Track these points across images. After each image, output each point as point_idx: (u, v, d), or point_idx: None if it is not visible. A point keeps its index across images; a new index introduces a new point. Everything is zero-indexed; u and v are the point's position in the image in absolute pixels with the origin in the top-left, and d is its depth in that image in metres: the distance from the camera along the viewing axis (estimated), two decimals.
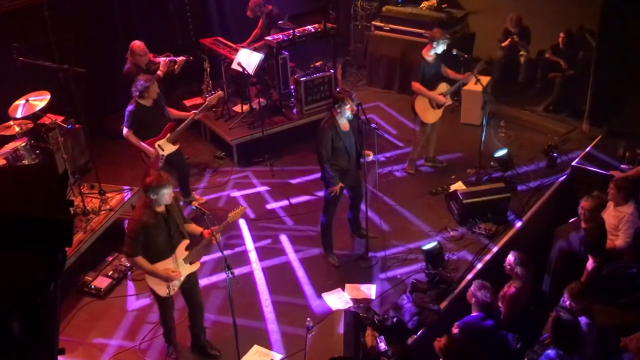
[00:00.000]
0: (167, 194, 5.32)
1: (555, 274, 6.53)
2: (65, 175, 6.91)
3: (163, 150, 7.35)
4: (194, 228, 5.74)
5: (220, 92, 7.91)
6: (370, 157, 6.81)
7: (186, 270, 5.63)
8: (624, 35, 8.62)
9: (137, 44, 7.88)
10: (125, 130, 7.26)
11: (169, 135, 7.36)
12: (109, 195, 7.58)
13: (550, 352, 5.05)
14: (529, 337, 5.64)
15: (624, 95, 9.15)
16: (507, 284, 6.11)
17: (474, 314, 5.62)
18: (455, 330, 5.62)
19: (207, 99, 7.69)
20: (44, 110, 7.11)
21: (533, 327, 5.73)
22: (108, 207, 7.42)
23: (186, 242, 5.61)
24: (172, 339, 5.96)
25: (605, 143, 8.57)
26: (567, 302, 5.49)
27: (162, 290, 5.54)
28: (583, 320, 5.47)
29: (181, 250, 5.57)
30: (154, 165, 7.31)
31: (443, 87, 8.19)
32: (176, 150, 7.56)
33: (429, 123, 8.29)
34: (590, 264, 6.19)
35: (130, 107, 7.19)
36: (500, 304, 6.02)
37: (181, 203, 7.79)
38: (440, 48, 7.97)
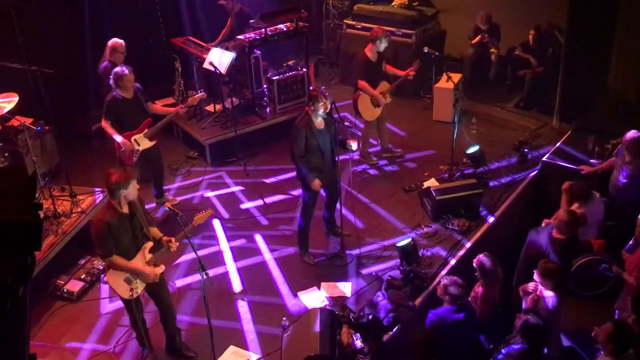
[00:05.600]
0: (134, 187, 5.30)
1: (522, 270, 6.62)
2: (34, 178, 6.81)
3: (139, 145, 7.28)
4: (155, 232, 5.68)
5: (203, 93, 7.90)
6: (354, 146, 6.81)
7: None
8: (592, 32, 8.75)
9: (118, 41, 7.90)
10: (102, 121, 7.21)
11: (146, 130, 7.30)
12: (80, 197, 7.48)
13: (512, 349, 5.16)
14: (502, 336, 5.70)
15: (592, 91, 9.28)
16: (476, 284, 6.17)
17: (445, 306, 5.69)
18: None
19: (190, 99, 7.66)
20: (13, 112, 6.99)
21: (505, 325, 5.80)
22: (79, 209, 7.32)
23: (150, 244, 5.55)
24: (146, 341, 5.90)
25: (575, 138, 8.70)
26: (537, 280, 5.68)
27: (124, 292, 5.48)
28: (551, 298, 5.57)
29: (145, 252, 5.52)
30: (128, 160, 7.25)
31: (384, 85, 8.36)
32: (154, 148, 7.50)
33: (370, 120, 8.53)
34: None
35: (108, 98, 7.15)
36: (473, 304, 6.08)
37: (154, 204, 7.80)
38: (382, 46, 8.16)
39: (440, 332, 5.52)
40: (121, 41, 7.93)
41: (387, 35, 8.22)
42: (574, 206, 6.77)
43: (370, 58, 8.21)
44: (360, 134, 8.76)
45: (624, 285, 6.21)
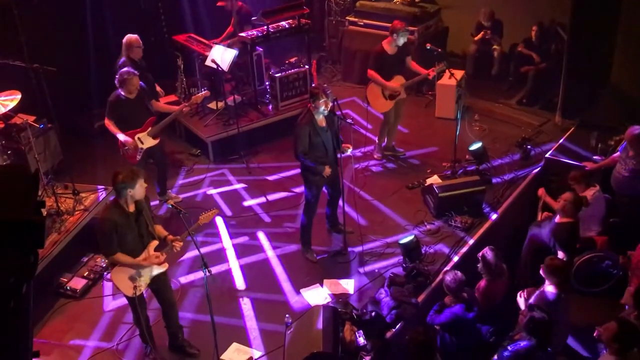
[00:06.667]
0: (141, 186, 5.29)
1: (526, 264, 6.62)
2: (37, 176, 6.81)
3: (143, 143, 7.30)
4: (160, 230, 5.69)
5: (207, 91, 7.88)
6: (349, 151, 6.84)
7: (155, 270, 5.58)
8: (594, 28, 8.73)
9: (132, 36, 7.89)
10: (106, 120, 7.24)
11: (150, 129, 7.31)
12: (83, 195, 7.48)
13: (519, 347, 5.16)
14: (505, 331, 5.71)
15: (595, 88, 9.27)
16: (481, 279, 6.18)
17: (456, 306, 5.70)
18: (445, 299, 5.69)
19: (193, 97, 7.65)
20: (15, 110, 7.01)
21: (507, 320, 5.81)
22: (82, 207, 7.32)
23: (155, 242, 5.55)
24: (149, 338, 5.91)
25: (578, 135, 8.68)
26: (543, 275, 5.68)
27: (128, 290, 5.48)
28: (553, 292, 5.57)
29: (150, 251, 5.51)
30: (131, 159, 7.26)
31: (399, 79, 8.22)
32: (158, 146, 7.52)
33: (385, 112, 8.43)
34: (561, 256, 6.25)
35: (112, 97, 7.17)
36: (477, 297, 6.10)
37: (157, 202, 7.81)
38: (400, 40, 8.02)
39: (456, 329, 5.54)
40: (135, 35, 7.90)
41: (405, 29, 8.05)
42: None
43: (387, 50, 8.09)
44: (362, 131, 8.75)
45: (630, 279, 6.20)
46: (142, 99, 7.27)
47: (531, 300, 5.74)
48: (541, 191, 7.13)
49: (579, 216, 6.43)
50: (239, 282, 6.94)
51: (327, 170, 6.65)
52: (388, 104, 8.35)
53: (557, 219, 6.35)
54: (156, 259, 5.48)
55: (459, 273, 5.74)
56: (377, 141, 8.87)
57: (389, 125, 8.60)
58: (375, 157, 8.85)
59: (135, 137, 7.24)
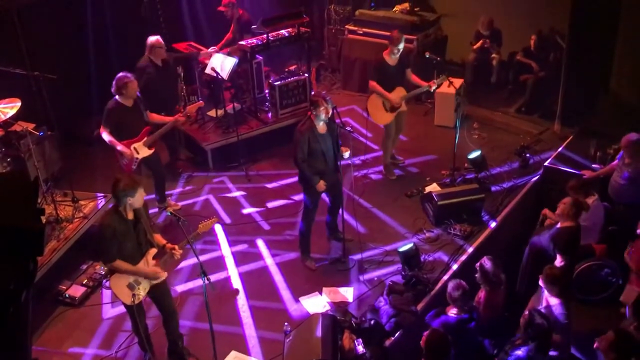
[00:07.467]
0: (141, 195, 5.28)
1: (526, 273, 6.61)
2: (36, 183, 6.81)
3: (138, 153, 7.30)
4: (159, 239, 5.68)
5: (201, 102, 7.89)
6: (346, 155, 6.83)
7: (154, 279, 5.57)
8: (593, 36, 8.77)
9: (154, 38, 7.97)
10: (101, 128, 7.22)
11: (145, 138, 7.31)
12: (82, 202, 7.49)
13: (520, 352, 5.14)
14: (505, 341, 5.69)
15: (594, 96, 9.29)
16: (480, 290, 6.17)
17: (453, 315, 5.68)
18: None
19: (188, 107, 7.67)
20: (15, 118, 7.02)
21: (509, 331, 5.80)
22: (81, 214, 7.33)
23: (154, 250, 5.54)
24: (148, 346, 5.90)
25: (576, 143, 8.68)
26: (542, 285, 5.67)
27: (126, 298, 5.47)
28: (558, 307, 5.56)
29: (149, 259, 5.51)
30: (127, 168, 7.26)
31: (400, 91, 8.15)
32: (154, 155, 7.52)
33: (386, 125, 8.33)
34: (558, 261, 6.23)
35: (109, 105, 7.15)
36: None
37: (156, 209, 7.81)
38: (396, 50, 7.94)
39: (452, 338, 5.54)
40: (156, 37, 7.99)
41: (399, 39, 7.91)
42: None
43: (387, 61, 8.03)
44: (362, 139, 8.76)
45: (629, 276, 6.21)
46: (138, 107, 7.27)
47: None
48: (545, 211, 7.10)
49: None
50: (238, 290, 6.93)
51: (321, 185, 6.66)
52: (389, 117, 8.27)
53: (559, 224, 6.35)
54: (154, 268, 5.48)
55: (462, 282, 5.72)
56: (384, 161, 8.69)
57: (390, 138, 8.52)
58: (390, 178, 8.67)
59: (131, 147, 7.24)
